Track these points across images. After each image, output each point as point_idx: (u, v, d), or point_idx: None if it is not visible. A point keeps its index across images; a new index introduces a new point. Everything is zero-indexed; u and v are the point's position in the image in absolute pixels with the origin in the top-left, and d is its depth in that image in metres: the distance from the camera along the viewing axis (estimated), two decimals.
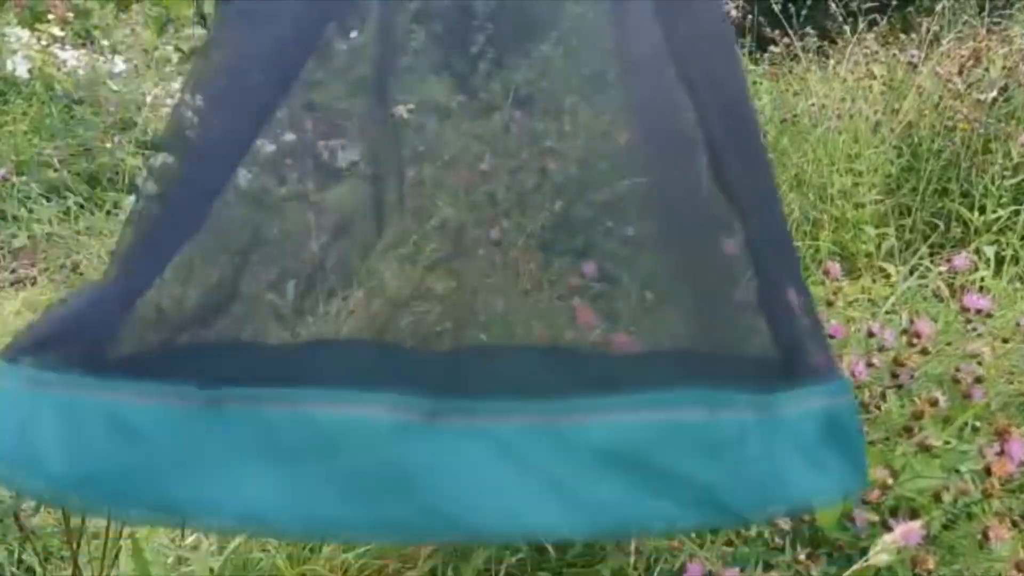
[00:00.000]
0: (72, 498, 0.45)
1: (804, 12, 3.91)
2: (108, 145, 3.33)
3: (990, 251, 2.46)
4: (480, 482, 0.36)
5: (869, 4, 3.83)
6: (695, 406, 0.39)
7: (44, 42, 3.80)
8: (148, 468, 0.39)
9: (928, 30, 3.42)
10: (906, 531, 0.76)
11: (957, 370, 1.39)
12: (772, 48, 3.90)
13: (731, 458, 0.39)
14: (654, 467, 0.37)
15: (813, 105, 3.04)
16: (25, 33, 3.77)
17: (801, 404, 0.44)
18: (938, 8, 3.62)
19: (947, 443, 1.29)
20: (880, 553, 0.73)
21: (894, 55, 3.39)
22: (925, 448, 1.22)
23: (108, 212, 3.11)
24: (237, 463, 0.37)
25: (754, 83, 3.58)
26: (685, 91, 0.55)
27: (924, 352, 1.43)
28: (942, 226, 2.74)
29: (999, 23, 3.73)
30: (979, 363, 1.45)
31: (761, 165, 0.54)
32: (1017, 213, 2.66)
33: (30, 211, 3.00)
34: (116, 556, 1.32)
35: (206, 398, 0.39)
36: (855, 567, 0.75)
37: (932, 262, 2.42)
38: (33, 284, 2.68)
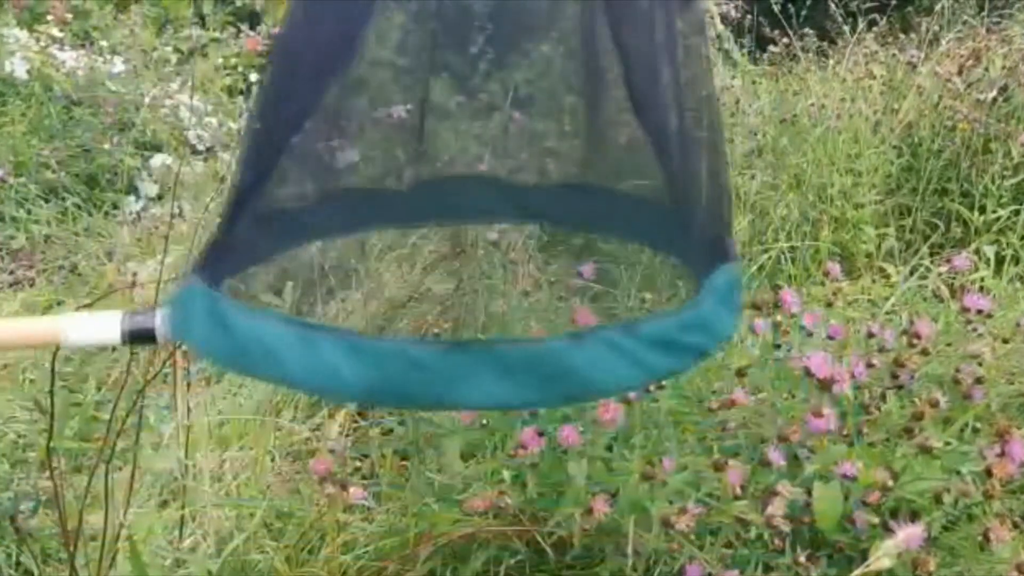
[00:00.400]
0: (367, 399, 0.79)
1: (804, 12, 3.91)
2: (106, 146, 3.32)
3: (990, 251, 2.46)
4: (601, 363, 0.66)
5: (869, 4, 3.82)
6: (690, 309, 0.71)
7: (43, 43, 3.79)
8: (424, 382, 0.65)
9: (928, 30, 3.42)
10: (908, 535, 0.76)
11: (957, 371, 1.38)
12: (772, 48, 3.90)
13: (705, 326, 0.71)
14: (677, 343, 0.69)
15: (813, 105, 3.04)
16: (24, 34, 3.76)
17: (723, 273, 0.74)
18: (937, 8, 3.61)
19: (948, 444, 1.29)
20: (882, 557, 0.73)
21: (894, 55, 3.39)
22: (926, 449, 1.21)
23: (106, 213, 3.11)
24: (480, 376, 0.65)
25: (753, 83, 3.58)
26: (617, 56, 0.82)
27: (924, 353, 1.43)
28: (942, 226, 2.74)
29: (999, 23, 3.73)
30: (980, 364, 1.44)
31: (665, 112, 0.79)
32: (1017, 213, 2.65)
33: (28, 212, 3.00)
34: (113, 558, 1.31)
35: (450, 343, 0.70)
36: (857, 572, 0.74)
37: (932, 262, 2.42)
38: (31, 285, 2.68)
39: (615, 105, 0.94)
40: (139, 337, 0.74)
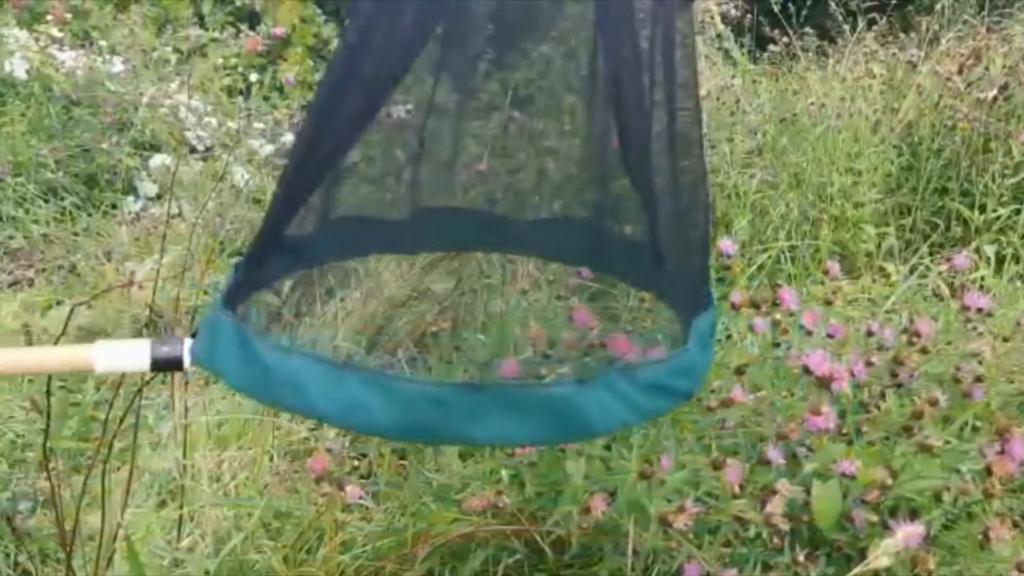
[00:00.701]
0: (396, 436, 0.90)
1: (804, 11, 3.91)
2: (105, 146, 3.31)
3: (990, 250, 2.45)
4: (602, 405, 0.72)
5: (868, 3, 3.82)
6: (678, 357, 0.78)
7: (42, 43, 3.78)
8: (444, 418, 0.69)
9: (928, 29, 3.41)
10: (907, 534, 0.75)
11: (957, 369, 1.38)
12: (772, 47, 3.90)
13: (691, 371, 0.78)
14: (669, 387, 0.76)
15: (813, 104, 3.03)
16: (23, 34, 3.75)
17: (705, 319, 0.82)
18: (938, 7, 3.61)
19: (947, 443, 1.28)
20: (881, 556, 0.73)
21: (894, 54, 3.38)
22: (925, 448, 1.21)
23: (105, 213, 3.10)
24: (493, 415, 0.70)
25: (753, 82, 3.58)
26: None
27: (924, 351, 1.42)
28: (942, 225, 2.73)
29: (999, 22, 3.73)
30: (980, 362, 1.44)
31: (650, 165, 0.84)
32: (1017, 212, 2.65)
33: (27, 212, 2.99)
34: (111, 558, 1.31)
35: (469, 384, 0.72)
36: (855, 571, 0.74)
37: (932, 261, 2.41)
38: (31, 285, 2.67)
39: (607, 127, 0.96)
40: (167, 365, 0.76)
